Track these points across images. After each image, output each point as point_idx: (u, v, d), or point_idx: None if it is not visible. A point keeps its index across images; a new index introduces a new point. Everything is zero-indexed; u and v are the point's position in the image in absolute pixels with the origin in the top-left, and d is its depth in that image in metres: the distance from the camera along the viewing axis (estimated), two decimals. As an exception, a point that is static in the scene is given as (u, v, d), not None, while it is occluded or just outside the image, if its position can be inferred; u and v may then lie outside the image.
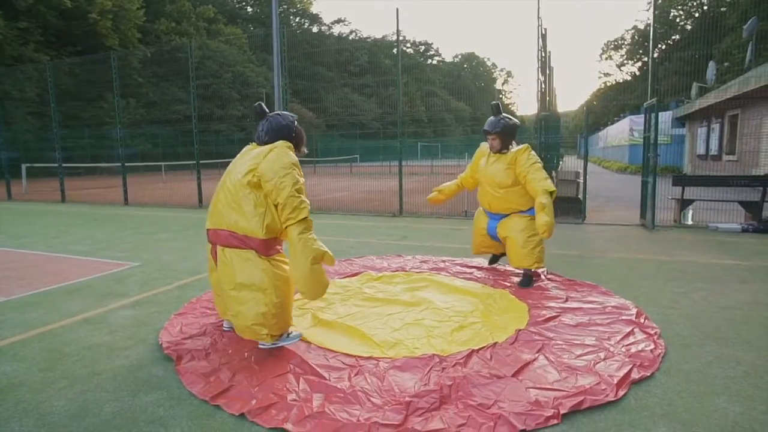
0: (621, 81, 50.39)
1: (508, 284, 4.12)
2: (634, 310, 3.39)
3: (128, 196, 11.68)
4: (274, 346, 2.74)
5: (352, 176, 16.92)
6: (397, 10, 8.72)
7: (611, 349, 2.76)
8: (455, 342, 2.92)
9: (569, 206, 8.22)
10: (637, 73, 45.75)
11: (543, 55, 9.06)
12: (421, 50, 69.13)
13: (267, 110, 3.00)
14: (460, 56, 74.01)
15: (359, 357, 2.72)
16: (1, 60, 22.31)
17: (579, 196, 8.19)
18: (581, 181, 8.19)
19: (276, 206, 2.68)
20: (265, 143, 2.89)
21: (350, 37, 57.12)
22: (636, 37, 46.16)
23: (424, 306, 3.55)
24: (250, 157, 2.79)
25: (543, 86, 9.20)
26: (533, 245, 3.99)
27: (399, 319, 3.30)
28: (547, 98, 11.63)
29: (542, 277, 4.32)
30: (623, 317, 3.27)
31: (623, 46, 49.77)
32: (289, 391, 2.34)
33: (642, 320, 3.23)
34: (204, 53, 31.81)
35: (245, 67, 35.69)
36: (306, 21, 55.22)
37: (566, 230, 7.14)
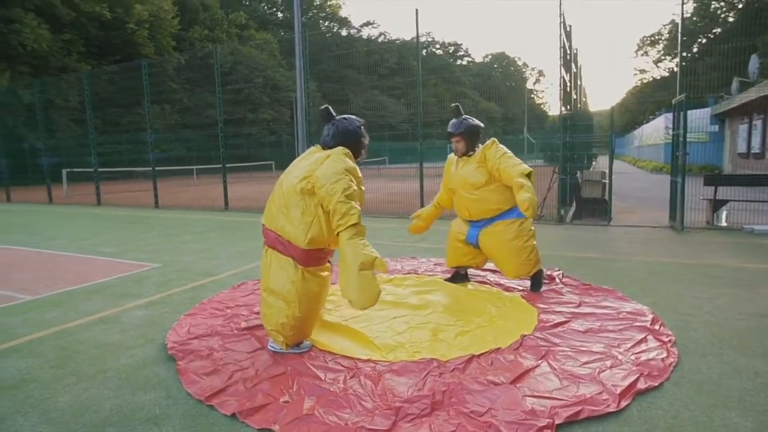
0: (658, 78, 48.57)
1: (521, 288, 4.02)
2: (650, 317, 3.25)
3: (159, 199, 12.05)
4: (282, 351, 2.79)
5: (379, 178, 16.88)
6: (417, 11, 8.68)
7: (619, 357, 2.65)
8: (457, 346, 2.86)
9: (595, 208, 7.98)
10: (675, 69, 44.01)
11: (567, 52, 8.83)
12: (450, 51, 68.56)
13: (334, 114, 3.00)
14: (490, 56, 72.95)
15: (358, 360, 2.70)
16: (46, 71, 23.56)
17: (605, 197, 7.93)
18: (607, 181, 7.92)
19: (328, 214, 2.67)
20: (331, 147, 2.90)
21: (379, 40, 57.26)
22: (673, 32, 44.40)
23: (431, 309, 3.50)
24: (309, 162, 2.80)
25: (568, 84, 8.96)
26: (528, 252, 3.79)
27: (404, 323, 3.27)
28: (574, 97, 11.33)
29: (557, 279, 4.20)
30: (637, 323, 3.13)
31: (660, 42, 47.98)
32: (283, 392, 2.35)
33: (657, 327, 3.08)
34: (236, 58, 32.55)
35: (275, 72, 36.31)
36: (335, 25, 55.72)
37: (590, 232, 6.92)
